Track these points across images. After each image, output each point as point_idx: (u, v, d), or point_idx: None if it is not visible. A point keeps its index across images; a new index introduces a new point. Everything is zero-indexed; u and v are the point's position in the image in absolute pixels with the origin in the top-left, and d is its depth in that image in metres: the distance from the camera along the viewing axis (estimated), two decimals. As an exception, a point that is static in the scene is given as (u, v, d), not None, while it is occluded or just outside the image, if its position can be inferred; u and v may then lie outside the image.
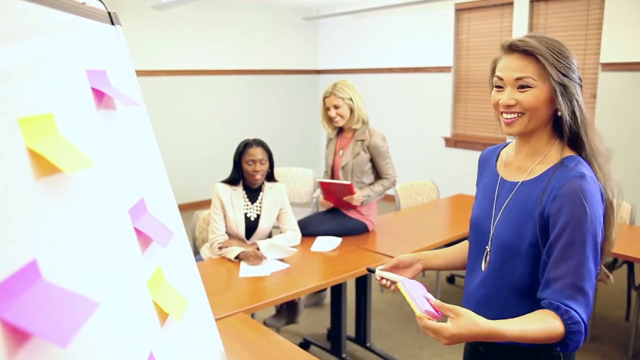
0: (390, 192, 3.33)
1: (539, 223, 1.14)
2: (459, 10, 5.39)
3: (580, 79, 1.18)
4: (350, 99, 2.85)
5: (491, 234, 1.25)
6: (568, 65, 1.14)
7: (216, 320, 1.23)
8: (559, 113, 1.15)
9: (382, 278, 1.32)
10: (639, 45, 4.11)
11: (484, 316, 1.06)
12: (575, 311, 1.08)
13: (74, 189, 0.65)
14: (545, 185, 1.16)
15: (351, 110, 2.87)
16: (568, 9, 4.55)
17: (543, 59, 1.12)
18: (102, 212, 0.72)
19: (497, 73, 1.20)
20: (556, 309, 1.10)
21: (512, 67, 1.16)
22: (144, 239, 0.86)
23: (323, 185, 2.90)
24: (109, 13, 1.00)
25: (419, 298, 1.12)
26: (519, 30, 4.83)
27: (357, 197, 2.80)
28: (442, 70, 5.61)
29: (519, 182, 1.23)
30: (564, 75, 1.13)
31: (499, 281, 1.22)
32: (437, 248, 3.29)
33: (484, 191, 1.33)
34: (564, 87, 1.13)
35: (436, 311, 1.09)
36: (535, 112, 1.15)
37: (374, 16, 6.16)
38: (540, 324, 1.08)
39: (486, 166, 1.38)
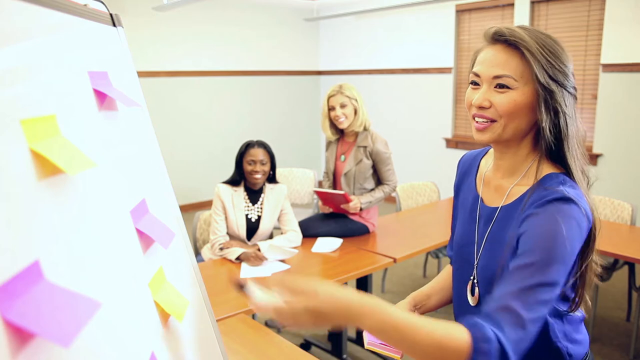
0: (391, 193, 3.33)
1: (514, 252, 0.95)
2: (460, 11, 5.39)
3: (575, 89, 0.98)
4: (356, 100, 2.88)
5: (476, 264, 1.08)
6: (559, 68, 0.95)
7: (217, 320, 1.23)
8: (540, 123, 0.96)
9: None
10: (640, 46, 4.12)
11: None
12: (493, 331, 0.81)
13: (76, 190, 0.65)
14: (521, 210, 0.97)
15: (355, 112, 2.88)
16: (569, 10, 4.55)
17: (529, 54, 0.93)
18: (104, 213, 0.72)
19: (475, 68, 1.01)
20: (470, 324, 0.83)
21: (491, 61, 0.97)
22: (146, 240, 0.86)
23: (320, 195, 2.93)
24: (110, 15, 1.00)
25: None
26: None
27: (354, 204, 2.81)
28: (443, 71, 5.62)
29: (498, 208, 1.05)
30: (551, 78, 0.94)
31: None
32: (437, 249, 3.31)
33: (465, 211, 1.16)
34: (550, 93, 0.94)
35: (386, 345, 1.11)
36: (512, 119, 0.96)
37: (375, 17, 6.16)
38: (438, 329, 0.80)
39: (466, 176, 1.21)
